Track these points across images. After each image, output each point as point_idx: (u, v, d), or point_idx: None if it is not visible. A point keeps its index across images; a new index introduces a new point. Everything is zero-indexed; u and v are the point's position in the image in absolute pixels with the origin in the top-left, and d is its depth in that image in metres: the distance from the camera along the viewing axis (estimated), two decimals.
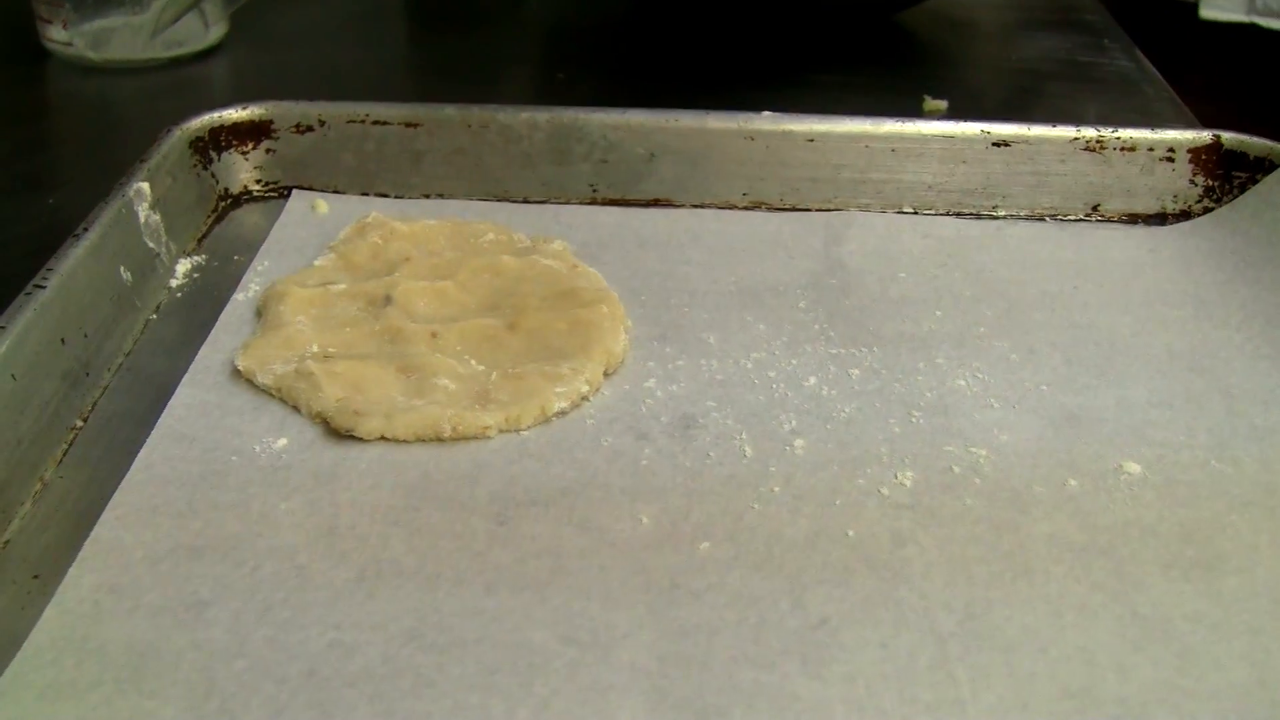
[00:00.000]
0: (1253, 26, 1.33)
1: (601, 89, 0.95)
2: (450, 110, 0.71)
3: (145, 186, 0.61)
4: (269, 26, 1.02)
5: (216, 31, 0.96)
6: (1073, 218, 0.72)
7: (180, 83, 0.92)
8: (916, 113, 0.89)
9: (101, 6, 0.91)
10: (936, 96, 0.90)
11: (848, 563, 0.46)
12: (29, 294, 0.52)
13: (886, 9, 1.06)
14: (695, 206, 0.71)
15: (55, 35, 0.92)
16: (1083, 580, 0.46)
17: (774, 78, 0.96)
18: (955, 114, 0.88)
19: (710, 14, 1.05)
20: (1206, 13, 1.34)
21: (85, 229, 0.57)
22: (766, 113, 0.71)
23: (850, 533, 0.48)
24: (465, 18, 1.11)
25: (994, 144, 0.71)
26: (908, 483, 0.51)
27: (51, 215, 0.72)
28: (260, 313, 0.60)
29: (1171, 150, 0.71)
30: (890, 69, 1.00)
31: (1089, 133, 0.71)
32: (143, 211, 0.61)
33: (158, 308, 0.61)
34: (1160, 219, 0.72)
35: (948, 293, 0.64)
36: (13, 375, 0.49)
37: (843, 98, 0.93)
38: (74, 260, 0.55)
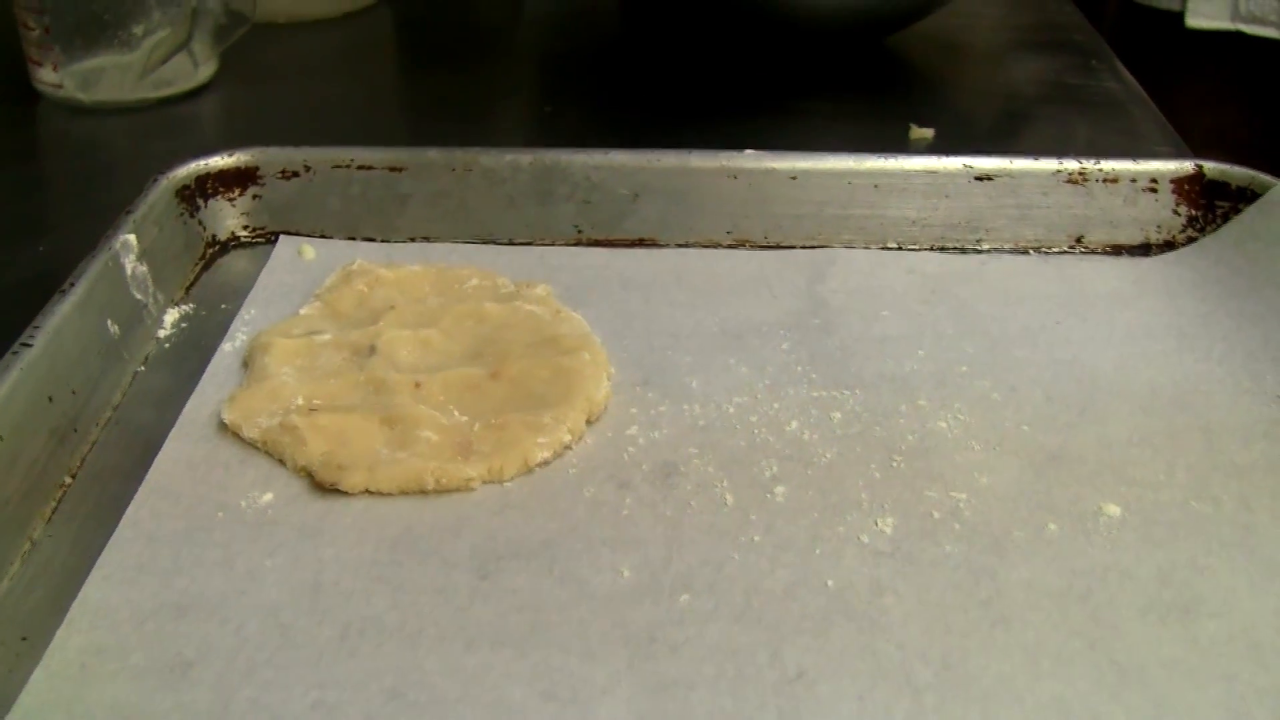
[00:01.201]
0: (1238, 34, 1.34)
1: (589, 120, 0.96)
2: (433, 154, 0.71)
3: (131, 238, 0.62)
4: (258, 63, 1.02)
5: (206, 70, 0.97)
6: (1057, 250, 0.72)
7: (170, 122, 0.93)
8: (903, 140, 0.89)
9: (90, 47, 0.92)
10: (924, 123, 0.90)
11: (826, 613, 0.47)
12: (15, 353, 0.52)
13: (876, 33, 1.06)
14: (679, 245, 0.72)
15: (45, 77, 0.92)
16: (1060, 627, 0.46)
17: (762, 105, 0.97)
18: (942, 141, 0.88)
19: (698, 41, 1.05)
20: (1192, 21, 1.35)
21: (71, 284, 0.57)
22: (749, 151, 0.71)
23: (829, 582, 0.48)
24: (454, 51, 1.11)
25: (976, 178, 0.71)
26: (888, 529, 0.51)
27: (42, 262, 0.72)
28: (247, 363, 0.60)
29: (1154, 181, 0.72)
30: (878, 95, 1.00)
31: (1071, 165, 0.71)
32: (129, 263, 0.62)
33: (146, 359, 0.61)
34: (1144, 249, 0.72)
35: (930, 330, 0.64)
36: (0, 435, 0.50)
37: (830, 126, 0.94)
38: (60, 317, 0.55)
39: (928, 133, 0.89)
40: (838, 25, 0.99)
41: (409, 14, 1.21)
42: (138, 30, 0.91)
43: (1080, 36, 1.14)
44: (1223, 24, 1.34)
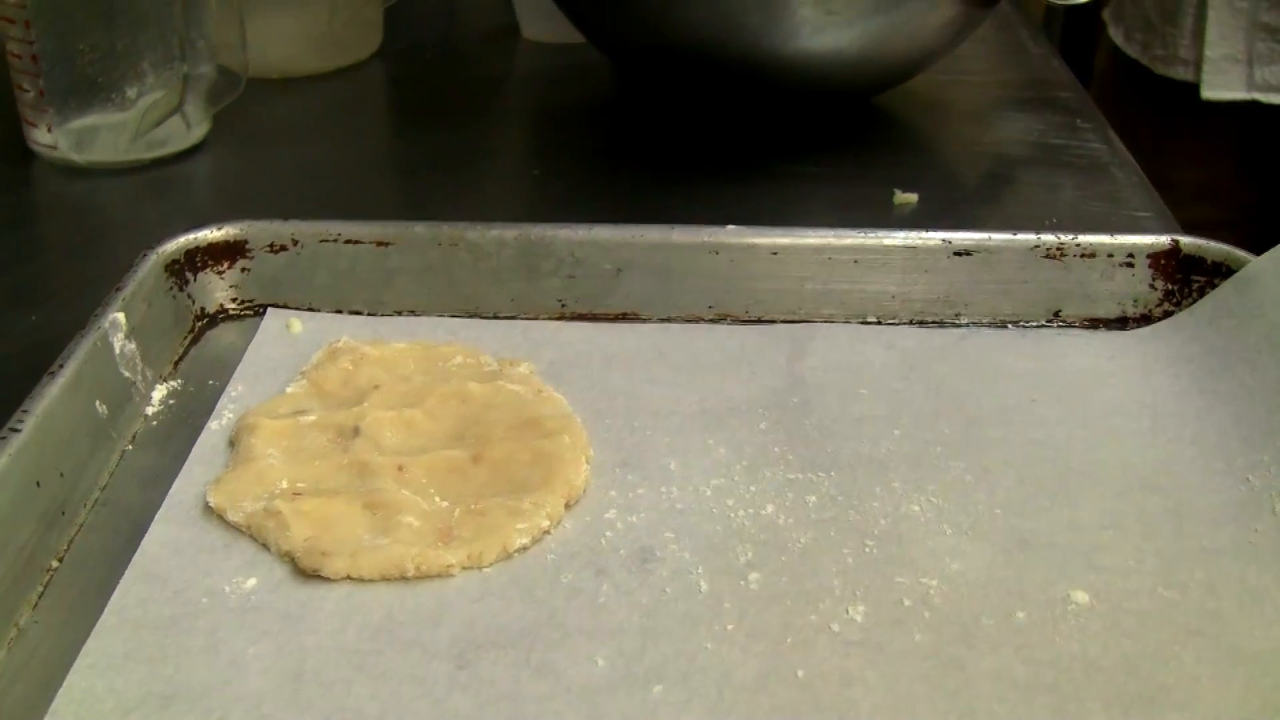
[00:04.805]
0: (1254, 103, 1.35)
1: (576, 183, 0.97)
2: (420, 229, 0.72)
3: (120, 317, 0.63)
4: (251, 123, 1.03)
5: (199, 131, 0.98)
6: (1035, 324, 0.73)
7: (164, 183, 0.94)
8: (888, 204, 0.90)
9: (84, 108, 0.93)
10: (908, 187, 0.91)
11: (796, 705, 0.48)
12: (4, 438, 0.53)
13: (865, 93, 1.07)
14: (662, 320, 0.72)
15: (40, 138, 0.94)
16: None
17: (749, 168, 0.98)
18: (926, 204, 0.90)
19: (688, 101, 1.06)
20: (1209, 93, 1.36)
21: (60, 365, 0.58)
22: (731, 226, 0.72)
23: (800, 673, 0.49)
24: (445, 108, 1.12)
25: (955, 253, 0.72)
26: (858, 617, 0.52)
27: (33, 334, 0.73)
28: (233, 443, 0.61)
29: (1131, 255, 0.73)
30: (864, 156, 1.01)
31: (1049, 239, 0.72)
32: (118, 342, 0.62)
33: (133, 438, 0.62)
34: (1121, 323, 0.73)
35: (907, 409, 0.65)
36: None
37: (816, 189, 0.95)
38: (49, 400, 0.56)
39: (911, 198, 0.90)
40: (827, 86, 1.00)
41: (401, 70, 1.22)
42: (131, 93, 0.92)
43: (1067, 94, 1.15)
44: (1239, 94, 1.35)
